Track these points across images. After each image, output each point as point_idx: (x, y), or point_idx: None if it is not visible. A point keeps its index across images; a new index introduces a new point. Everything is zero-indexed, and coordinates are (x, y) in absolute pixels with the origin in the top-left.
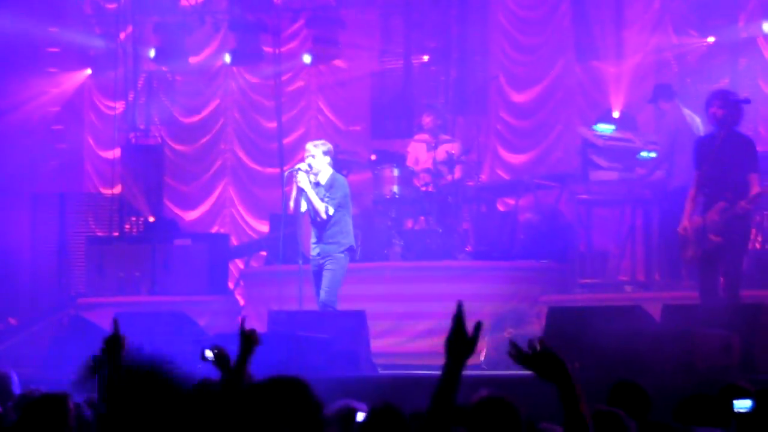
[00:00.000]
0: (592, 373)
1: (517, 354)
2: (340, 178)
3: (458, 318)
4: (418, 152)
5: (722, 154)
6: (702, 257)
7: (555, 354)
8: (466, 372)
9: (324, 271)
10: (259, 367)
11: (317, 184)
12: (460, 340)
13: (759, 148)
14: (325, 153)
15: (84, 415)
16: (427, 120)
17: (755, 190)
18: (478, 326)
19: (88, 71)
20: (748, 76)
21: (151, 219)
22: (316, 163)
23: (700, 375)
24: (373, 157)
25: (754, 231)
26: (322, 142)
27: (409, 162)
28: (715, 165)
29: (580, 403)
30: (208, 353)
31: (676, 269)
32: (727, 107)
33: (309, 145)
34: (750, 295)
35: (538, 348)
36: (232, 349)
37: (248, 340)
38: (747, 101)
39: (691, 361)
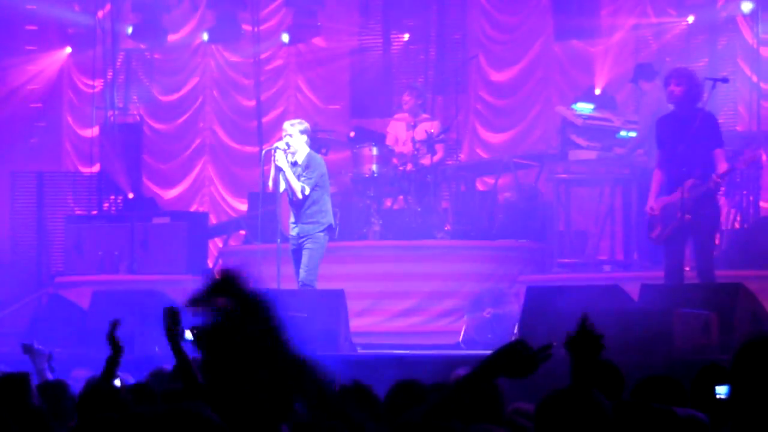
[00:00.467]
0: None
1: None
2: (317, 157)
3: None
4: (398, 131)
5: (687, 132)
6: (670, 236)
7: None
8: (445, 352)
9: (303, 251)
10: None
11: (294, 164)
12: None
13: (739, 128)
14: (302, 132)
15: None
16: (406, 99)
17: (724, 166)
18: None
19: (68, 50)
20: (728, 55)
21: (131, 195)
22: (294, 141)
23: (679, 354)
24: (352, 134)
25: (733, 211)
26: (299, 120)
27: (389, 141)
28: (681, 142)
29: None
30: (188, 333)
31: (654, 249)
32: (685, 84)
33: (286, 124)
34: (728, 275)
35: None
36: None
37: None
38: (725, 80)
39: (669, 340)
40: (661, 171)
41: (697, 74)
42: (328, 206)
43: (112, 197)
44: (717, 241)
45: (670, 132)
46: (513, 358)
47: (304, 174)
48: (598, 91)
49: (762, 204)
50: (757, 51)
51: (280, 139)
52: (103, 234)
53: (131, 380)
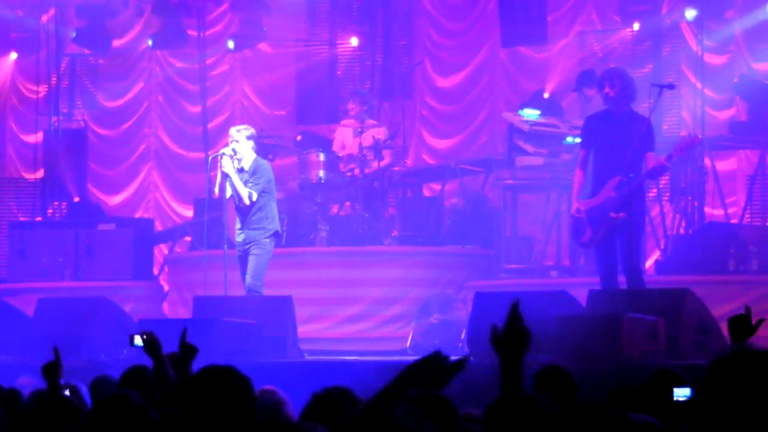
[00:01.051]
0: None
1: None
2: (264, 163)
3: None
4: (345, 138)
5: (618, 133)
6: (603, 237)
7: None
8: (392, 358)
9: (249, 257)
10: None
11: (241, 170)
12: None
13: (682, 133)
14: (249, 137)
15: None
16: (353, 106)
17: (651, 164)
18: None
19: (14, 55)
20: (672, 62)
21: (76, 199)
22: (240, 147)
23: (627, 360)
24: (298, 138)
25: (678, 216)
26: (245, 126)
27: (336, 147)
28: (609, 143)
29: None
30: (137, 339)
31: None
32: (617, 85)
33: (232, 130)
34: (674, 280)
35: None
36: (159, 335)
37: (188, 350)
38: (672, 87)
39: (617, 346)
40: (583, 171)
41: (629, 74)
42: (275, 212)
43: (57, 203)
44: (662, 246)
45: (599, 132)
46: (428, 370)
47: (251, 180)
48: (547, 95)
49: (707, 209)
50: (701, 58)
51: (227, 145)
52: (48, 240)
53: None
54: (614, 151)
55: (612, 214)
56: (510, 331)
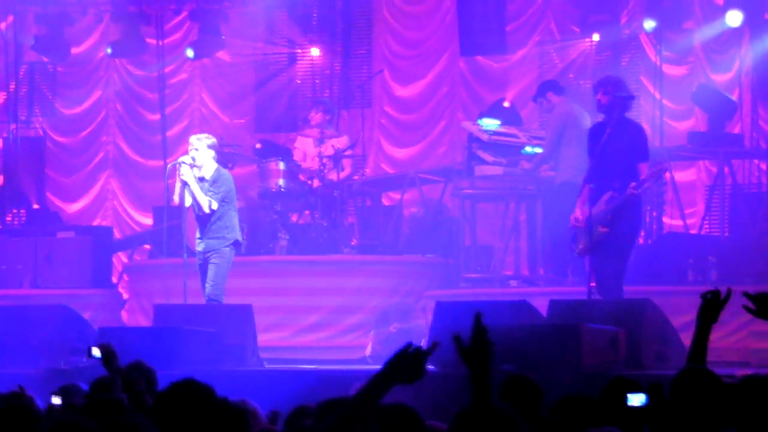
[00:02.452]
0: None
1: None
2: (225, 173)
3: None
4: (306, 147)
5: (611, 143)
6: (592, 249)
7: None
8: (351, 366)
9: (209, 265)
10: (146, 360)
11: (201, 179)
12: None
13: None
14: (210, 147)
15: None
16: (314, 115)
17: (643, 176)
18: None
19: None
20: (631, 72)
21: (35, 206)
22: (200, 156)
23: (587, 369)
24: (258, 146)
25: None
26: (206, 135)
27: (297, 157)
28: (603, 154)
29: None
30: (95, 351)
31: (560, 265)
32: (612, 93)
33: (193, 138)
34: (634, 290)
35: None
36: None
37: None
38: (632, 97)
39: (577, 356)
40: (588, 182)
41: (625, 83)
42: (235, 222)
43: (15, 211)
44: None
45: (596, 142)
46: (402, 362)
47: (211, 189)
48: (507, 104)
49: (665, 220)
50: (659, 68)
51: (186, 153)
52: (6, 248)
53: None
54: (607, 161)
55: (600, 228)
56: (476, 342)
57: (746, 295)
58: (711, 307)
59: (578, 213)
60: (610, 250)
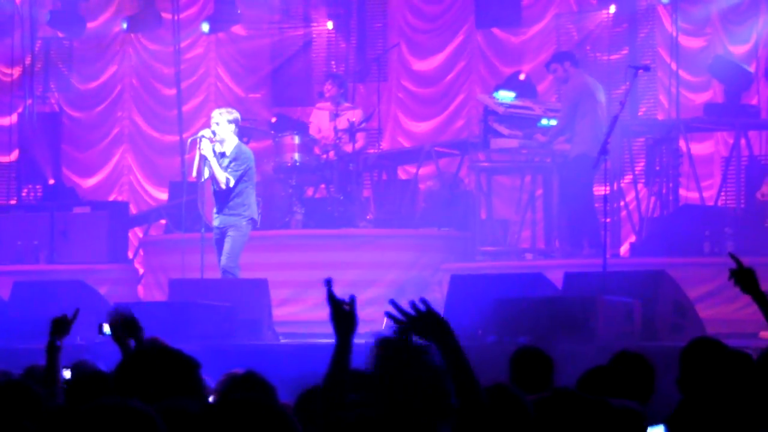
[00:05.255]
0: (493, 339)
1: (400, 316)
2: (246, 149)
3: (331, 297)
4: (321, 121)
5: None
6: None
7: (436, 314)
8: (367, 340)
9: (226, 238)
10: (161, 335)
11: (222, 155)
12: (341, 316)
13: (659, 116)
14: (231, 121)
15: None
16: (329, 88)
17: None
18: (353, 302)
19: None
20: (648, 44)
21: (51, 182)
22: (221, 130)
23: (602, 342)
24: (273, 120)
25: (653, 199)
26: (228, 110)
27: (312, 131)
28: None
29: (466, 364)
30: (106, 327)
31: (576, 237)
32: None
33: (215, 113)
34: (650, 262)
35: (423, 308)
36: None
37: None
38: (647, 68)
39: (593, 328)
40: None
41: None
42: (252, 199)
43: (31, 186)
44: (637, 229)
45: None
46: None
47: (231, 166)
48: (522, 77)
49: (682, 192)
50: (676, 39)
51: (204, 127)
52: (23, 223)
53: None
54: None
55: None
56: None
57: (732, 256)
58: (745, 278)
59: (765, 189)
60: None
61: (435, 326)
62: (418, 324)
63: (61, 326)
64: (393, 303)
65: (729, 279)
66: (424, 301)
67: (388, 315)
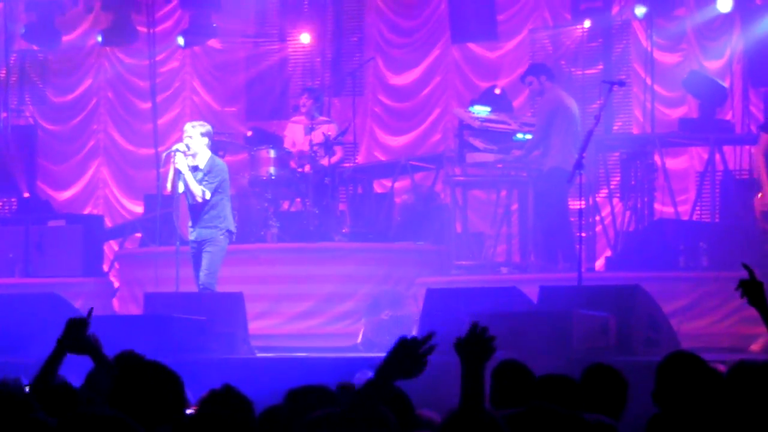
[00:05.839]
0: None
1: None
2: (220, 162)
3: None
4: (295, 134)
5: None
6: None
7: (489, 340)
8: (343, 354)
9: (203, 254)
10: (136, 348)
11: (195, 168)
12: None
13: (635, 131)
14: (204, 134)
15: None
16: (305, 102)
17: None
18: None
19: None
20: (623, 59)
21: (26, 195)
22: (194, 144)
23: (577, 356)
24: (249, 134)
25: (628, 213)
26: (201, 123)
27: (287, 144)
28: None
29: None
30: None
31: (551, 251)
32: None
33: (187, 126)
34: (624, 276)
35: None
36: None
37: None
38: (622, 83)
39: (568, 342)
40: None
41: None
42: (227, 211)
43: (6, 199)
44: (612, 243)
45: None
46: (405, 356)
47: (205, 179)
48: (498, 91)
49: (657, 206)
50: (651, 55)
51: (178, 140)
52: None
53: None
54: None
55: None
56: (472, 338)
57: (745, 265)
58: (754, 291)
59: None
60: None
61: (483, 351)
62: (471, 346)
63: (75, 329)
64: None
65: (736, 289)
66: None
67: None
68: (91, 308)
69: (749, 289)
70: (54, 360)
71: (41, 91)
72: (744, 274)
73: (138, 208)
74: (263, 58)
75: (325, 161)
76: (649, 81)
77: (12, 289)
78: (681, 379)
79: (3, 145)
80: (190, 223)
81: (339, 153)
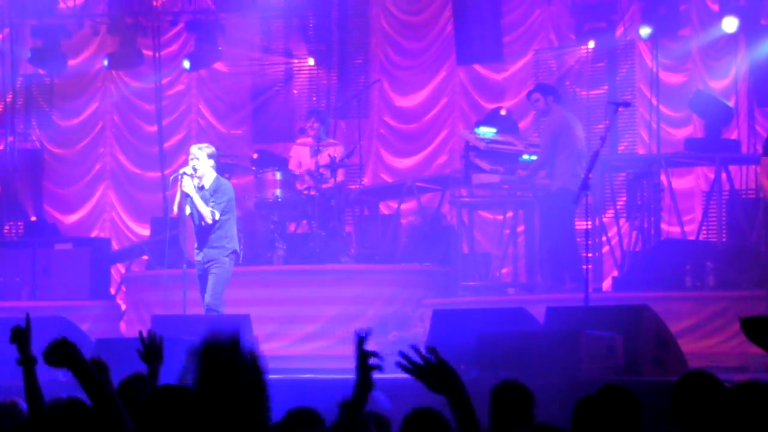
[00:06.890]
0: (476, 375)
1: (409, 365)
2: (225, 182)
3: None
4: (301, 156)
5: None
6: None
7: (448, 365)
8: (350, 376)
9: (209, 275)
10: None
11: (201, 188)
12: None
13: (640, 151)
14: (209, 156)
15: None
16: (312, 125)
17: None
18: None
19: None
20: (628, 80)
21: (33, 218)
22: (200, 165)
23: (585, 376)
24: (255, 156)
25: (635, 233)
26: (206, 145)
27: (292, 165)
28: None
29: (472, 414)
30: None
31: (558, 272)
32: None
33: (193, 148)
34: (632, 296)
35: (433, 359)
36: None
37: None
38: (627, 104)
39: (576, 362)
40: None
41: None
42: (234, 231)
43: (13, 223)
44: (619, 263)
45: None
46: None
47: (212, 199)
48: (503, 112)
49: (663, 226)
50: (656, 75)
51: (185, 163)
52: (4, 260)
53: None
54: None
55: None
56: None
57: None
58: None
59: None
60: None
61: (447, 378)
62: (430, 376)
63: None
64: (402, 354)
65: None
66: (433, 350)
67: (398, 365)
68: (27, 314)
69: (752, 328)
70: (27, 379)
71: (48, 114)
72: (749, 294)
73: (145, 231)
74: (269, 80)
75: (330, 183)
76: (654, 101)
77: (19, 313)
78: (697, 398)
79: (10, 168)
80: (196, 245)
81: (341, 175)
